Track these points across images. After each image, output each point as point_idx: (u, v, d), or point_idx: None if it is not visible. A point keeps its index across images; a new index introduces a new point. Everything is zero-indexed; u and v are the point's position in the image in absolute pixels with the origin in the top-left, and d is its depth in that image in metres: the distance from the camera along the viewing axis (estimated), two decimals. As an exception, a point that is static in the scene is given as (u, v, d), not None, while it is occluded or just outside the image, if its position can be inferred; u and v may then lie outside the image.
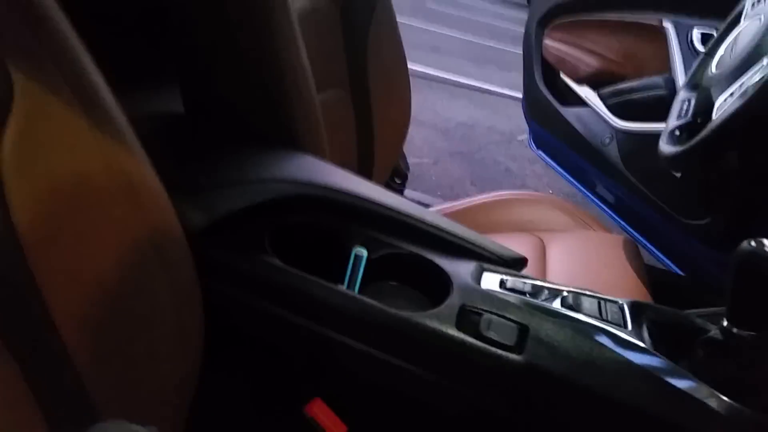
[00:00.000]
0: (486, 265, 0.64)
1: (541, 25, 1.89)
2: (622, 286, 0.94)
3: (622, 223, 1.67)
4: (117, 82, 0.49)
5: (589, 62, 1.80)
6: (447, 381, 0.56)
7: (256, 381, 0.68)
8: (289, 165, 0.72)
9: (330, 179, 0.69)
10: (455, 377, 0.56)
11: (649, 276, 1.00)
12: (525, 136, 3.28)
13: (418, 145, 2.88)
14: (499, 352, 0.53)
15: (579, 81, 1.80)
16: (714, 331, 0.53)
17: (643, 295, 0.95)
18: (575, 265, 0.98)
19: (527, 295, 0.60)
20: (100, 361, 0.47)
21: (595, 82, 1.76)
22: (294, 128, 0.79)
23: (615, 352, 0.54)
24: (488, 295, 0.58)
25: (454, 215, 1.14)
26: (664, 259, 1.52)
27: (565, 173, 1.89)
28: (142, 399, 0.52)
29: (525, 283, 0.61)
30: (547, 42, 1.87)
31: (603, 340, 0.55)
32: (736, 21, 1.00)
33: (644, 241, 1.57)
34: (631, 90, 1.63)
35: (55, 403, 0.44)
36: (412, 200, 1.49)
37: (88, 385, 0.46)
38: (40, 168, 0.42)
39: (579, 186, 1.85)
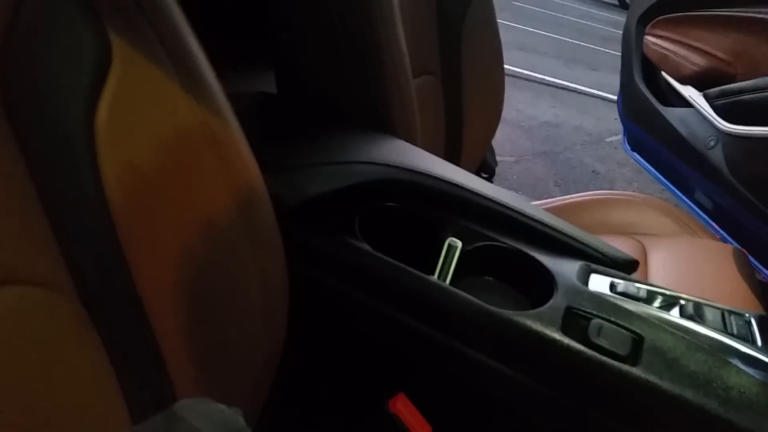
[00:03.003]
0: (593, 266, 0.58)
1: (643, 21, 1.79)
2: (733, 300, 0.86)
3: (722, 232, 1.55)
4: (213, 63, 0.47)
5: (694, 60, 1.68)
6: (546, 388, 0.51)
7: (338, 369, 0.65)
8: (382, 148, 0.69)
9: (424, 165, 0.66)
10: (556, 385, 0.51)
11: (762, 291, 0.91)
12: (614, 138, 3.15)
13: (500, 143, 2.81)
14: (611, 361, 0.48)
15: (682, 80, 1.69)
16: None
17: (757, 310, 0.86)
18: (680, 274, 0.90)
19: (641, 302, 0.54)
20: (184, 335, 0.45)
21: (700, 81, 1.64)
22: (388, 111, 0.75)
23: (744, 371, 0.48)
24: (598, 298, 0.53)
25: (545, 214, 1.08)
26: (768, 273, 1.40)
27: (660, 177, 1.78)
28: (225, 376, 0.50)
29: (638, 287, 0.55)
30: (648, 38, 1.77)
31: (729, 356, 0.49)
32: None
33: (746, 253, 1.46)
34: (742, 91, 1.50)
35: (136, 381, 0.43)
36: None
37: (170, 360, 0.44)
38: (133, 132, 0.41)
39: (675, 190, 1.74)
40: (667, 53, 1.72)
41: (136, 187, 0.41)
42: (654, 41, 1.75)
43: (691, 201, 1.67)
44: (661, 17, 1.74)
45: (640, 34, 1.79)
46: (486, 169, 1.35)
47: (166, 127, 0.42)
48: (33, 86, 0.37)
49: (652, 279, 0.89)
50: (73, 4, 0.38)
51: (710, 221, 1.58)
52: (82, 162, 0.38)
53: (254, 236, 0.50)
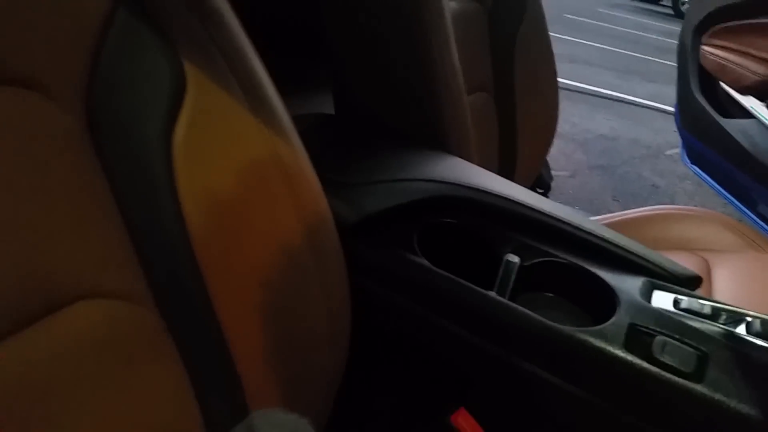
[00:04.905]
0: (656, 282, 0.58)
1: (699, 30, 1.74)
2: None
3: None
4: (276, 84, 0.49)
5: (755, 70, 1.63)
6: (609, 405, 0.51)
7: (400, 382, 0.66)
8: (438, 166, 0.70)
9: (480, 181, 0.67)
10: (620, 402, 0.50)
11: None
12: (674, 151, 3.07)
13: (555, 157, 2.76)
14: (675, 378, 0.47)
15: (742, 90, 1.64)
16: None
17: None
18: (746, 291, 0.87)
19: (706, 318, 0.53)
20: (256, 350, 0.47)
21: (762, 91, 1.59)
22: (442, 129, 0.77)
23: (815, 390, 0.46)
24: (661, 314, 0.52)
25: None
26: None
27: (722, 190, 1.72)
28: (293, 390, 0.52)
29: (703, 304, 0.54)
30: (705, 48, 1.73)
31: (800, 375, 0.48)
32: None
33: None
34: (806, 100, 1.45)
35: (211, 394, 0.45)
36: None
37: (244, 376, 0.46)
38: (207, 156, 0.43)
39: (738, 204, 1.68)
40: (725, 63, 1.68)
41: (212, 210, 0.43)
42: (711, 51, 1.71)
43: (755, 215, 1.61)
44: (718, 26, 1.69)
45: (697, 44, 1.75)
46: (541, 184, 1.34)
47: (238, 152, 0.45)
48: (116, 111, 0.40)
49: (717, 295, 0.87)
50: (152, 32, 0.40)
51: (776, 235, 1.52)
52: (160, 184, 0.41)
53: (319, 258, 0.51)
